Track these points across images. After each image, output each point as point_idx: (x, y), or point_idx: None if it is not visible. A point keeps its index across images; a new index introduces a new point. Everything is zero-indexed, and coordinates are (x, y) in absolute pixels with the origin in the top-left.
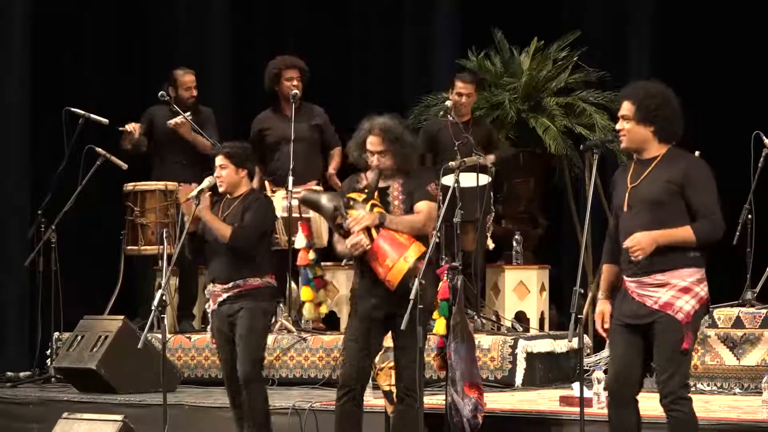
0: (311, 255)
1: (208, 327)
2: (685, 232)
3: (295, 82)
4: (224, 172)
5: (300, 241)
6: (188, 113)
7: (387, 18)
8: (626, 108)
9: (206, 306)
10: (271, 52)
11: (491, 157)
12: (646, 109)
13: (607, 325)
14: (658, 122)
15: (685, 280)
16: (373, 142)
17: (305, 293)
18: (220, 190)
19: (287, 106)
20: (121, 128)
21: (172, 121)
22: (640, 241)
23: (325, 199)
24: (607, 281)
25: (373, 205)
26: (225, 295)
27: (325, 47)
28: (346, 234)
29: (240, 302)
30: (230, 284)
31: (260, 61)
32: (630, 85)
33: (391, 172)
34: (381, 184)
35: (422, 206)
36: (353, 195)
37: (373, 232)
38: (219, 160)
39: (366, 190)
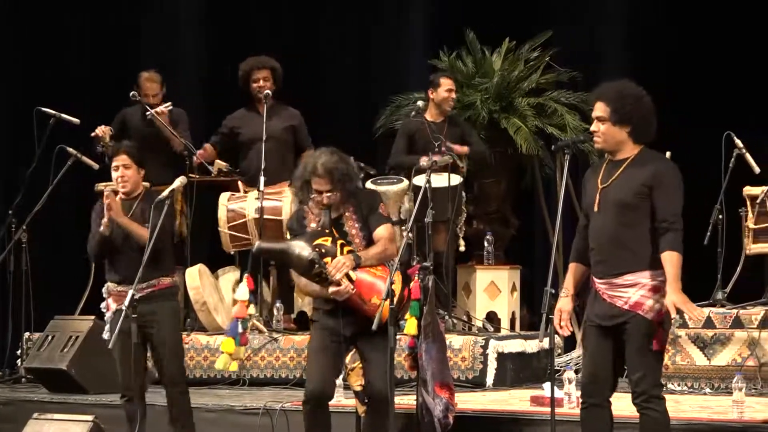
0: (251, 309)
1: (105, 329)
2: (676, 263)
3: (261, 83)
4: (129, 172)
5: (243, 293)
6: (168, 104)
7: (358, 17)
8: (601, 109)
9: (102, 306)
10: (243, 51)
11: (465, 149)
12: (621, 110)
13: (564, 323)
14: (634, 123)
15: (654, 279)
16: (319, 183)
17: (227, 345)
18: (123, 190)
19: (260, 106)
20: (92, 134)
21: (157, 110)
22: (675, 304)
23: (296, 250)
24: (572, 279)
25: (342, 245)
26: (137, 296)
27: (295, 46)
28: (321, 281)
29: (153, 303)
30: (143, 284)
31: (233, 59)
32: (603, 86)
33: (342, 201)
34: (332, 215)
35: (382, 231)
36: (320, 241)
37: (351, 274)
38: (123, 159)
39: (326, 231)
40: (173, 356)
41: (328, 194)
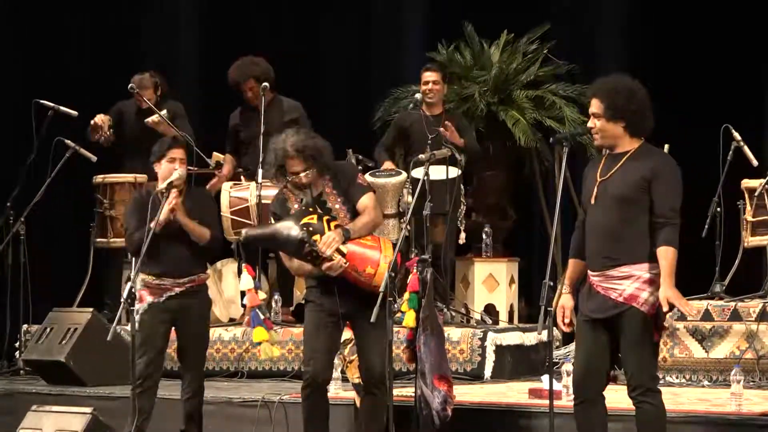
0: (261, 295)
1: (135, 320)
2: (671, 258)
3: (250, 94)
4: (183, 167)
5: (247, 282)
6: (163, 111)
7: (357, 11)
8: (595, 105)
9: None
10: (243, 51)
11: (461, 140)
12: (615, 106)
13: (567, 320)
14: (628, 118)
15: (649, 272)
16: (292, 164)
17: (259, 334)
18: (178, 183)
19: (258, 103)
20: (92, 122)
21: (150, 120)
22: (668, 299)
23: (285, 231)
24: (571, 275)
25: (328, 221)
26: (177, 290)
27: (296, 39)
28: (313, 260)
29: (192, 298)
30: (185, 279)
31: (233, 59)
32: (598, 81)
33: (319, 178)
34: (313, 193)
35: (366, 201)
36: (306, 220)
37: (342, 248)
38: (180, 153)
39: (311, 209)
40: (202, 351)
41: (305, 173)
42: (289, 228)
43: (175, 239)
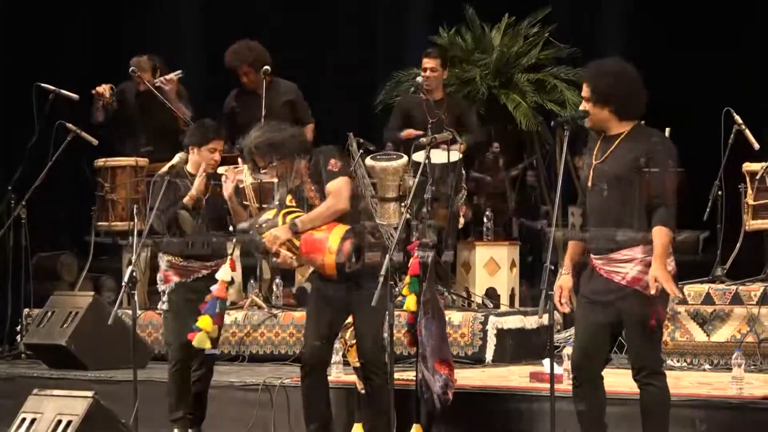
0: (229, 291)
1: (162, 300)
2: (665, 239)
3: (245, 79)
4: (219, 156)
5: (225, 273)
6: (179, 72)
7: None
8: (584, 89)
9: (159, 278)
10: (243, 26)
11: (462, 147)
12: (600, 90)
13: (565, 300)
14: (614, 102)
15: (650, 254)
16: (258, 160)
17: (204, 322)
18: (212, 171)
19: (255, 87)
20: (93, 92)
21: (167, 77)
22: (658, 279)
23: (244, 230)
24: (572, 256)
25: (287, 213)
26: (204, 272)
27: (295, 23)
28: (275, 255)
29: (216, 280)
30: (212, 262)
31: (233, 34)
32: (588, 65)
33: (291, 168)
34: (295, 183)
35: (331, 187)
36: (265, 216)
37: (295, 241)
38: (221, 144)
39: (276, 204)
40: (219, 334)
41: (271, 167)
42: (246, 226)
43: (205, 222)
